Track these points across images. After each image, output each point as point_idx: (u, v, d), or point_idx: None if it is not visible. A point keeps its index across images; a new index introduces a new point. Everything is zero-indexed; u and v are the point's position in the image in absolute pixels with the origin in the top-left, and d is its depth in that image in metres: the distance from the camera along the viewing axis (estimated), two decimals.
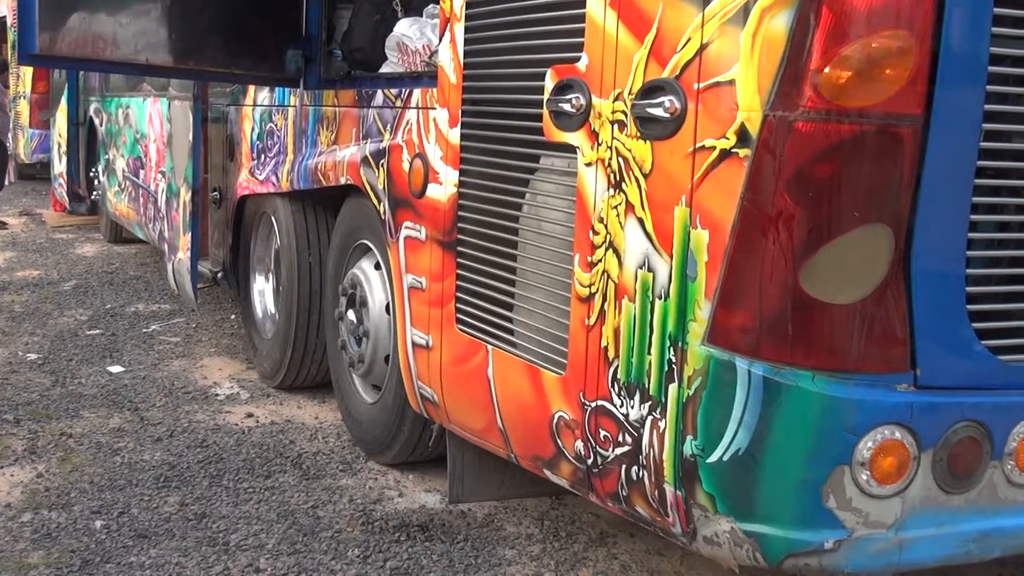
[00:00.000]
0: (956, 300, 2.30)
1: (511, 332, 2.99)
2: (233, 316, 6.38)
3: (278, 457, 4.12)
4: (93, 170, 8.89)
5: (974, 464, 2.35)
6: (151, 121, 6.48)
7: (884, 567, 2.34)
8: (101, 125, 8.32)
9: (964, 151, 2.24)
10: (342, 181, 4.07)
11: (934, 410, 2.29)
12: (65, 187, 9.58)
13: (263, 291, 5.32)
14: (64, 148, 9.48)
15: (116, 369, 5.26)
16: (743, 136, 2.22)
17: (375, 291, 3.99)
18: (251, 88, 5.15)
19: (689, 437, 2.38)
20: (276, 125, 4.87)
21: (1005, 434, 2.36)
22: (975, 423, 2.33)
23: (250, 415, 4.63)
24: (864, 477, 2.25)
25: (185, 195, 5.29)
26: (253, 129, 5.13)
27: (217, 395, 4.92)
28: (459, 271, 3.20)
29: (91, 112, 8.79)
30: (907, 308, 2.26)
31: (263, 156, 4.98)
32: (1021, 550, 2.50)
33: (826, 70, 2.14)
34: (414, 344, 3.49)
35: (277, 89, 4.85)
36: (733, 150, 2.24)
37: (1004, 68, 2.24)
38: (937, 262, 2.27)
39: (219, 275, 5.61)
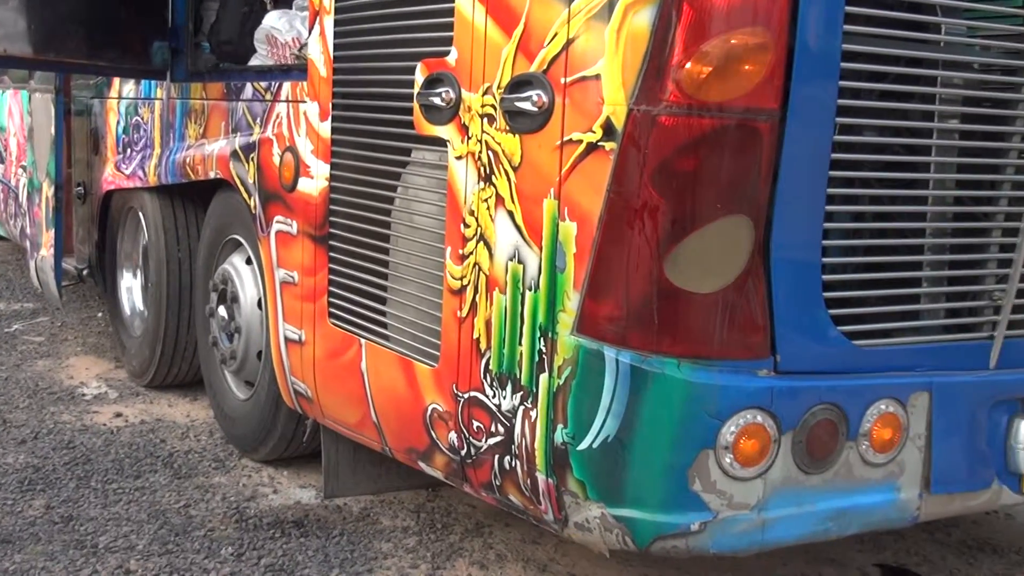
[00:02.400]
0: (813, 288, 2.39)
1: (384, 325, 3.00)
2: (100, 314, 6.22)
3: (148, 457, 4.04)
4: None
5: (831, 445, 2.44)
6: (11, 114, 6.27)
7: (748, 547, 2.41)
8: None
9: (819, 144, 2.33)
10: (211, 175, 4.00)
11: (793, 394, 2.37)
12: None
13: (131, 288, 5.20)
14: None
15: None
16: (609, 130, 2.27)
17: (247, 286, 3.94)
18: (116, 80, 5.02)
19: (560, 426, 2.42)
20: (142, 118, 4.77)
21: (859, 416, 2.46)
22: (831, 406, 2.42)
23: (119, 415, 4.53)
24: (728, 460, 2.32)
25: (48, 190, 5.13)
26: (118, 122, 5.00)
27: (84, 395, 4.80)
28: (331, 265, 3.19)
29: None
30: (767, 296, 2.34)
31: (129, 150, 4.87)
32: (877, 527, 2.62)
33: (687, 66, 2.20)
34: (287, 339, 3.47)
35: (143, 81, 4.74)
36: (599, 143, 2.29)
37: (856, 64, 2.34)
38: (795, 251, 2.36)
39: (85, 272, 5.47)
